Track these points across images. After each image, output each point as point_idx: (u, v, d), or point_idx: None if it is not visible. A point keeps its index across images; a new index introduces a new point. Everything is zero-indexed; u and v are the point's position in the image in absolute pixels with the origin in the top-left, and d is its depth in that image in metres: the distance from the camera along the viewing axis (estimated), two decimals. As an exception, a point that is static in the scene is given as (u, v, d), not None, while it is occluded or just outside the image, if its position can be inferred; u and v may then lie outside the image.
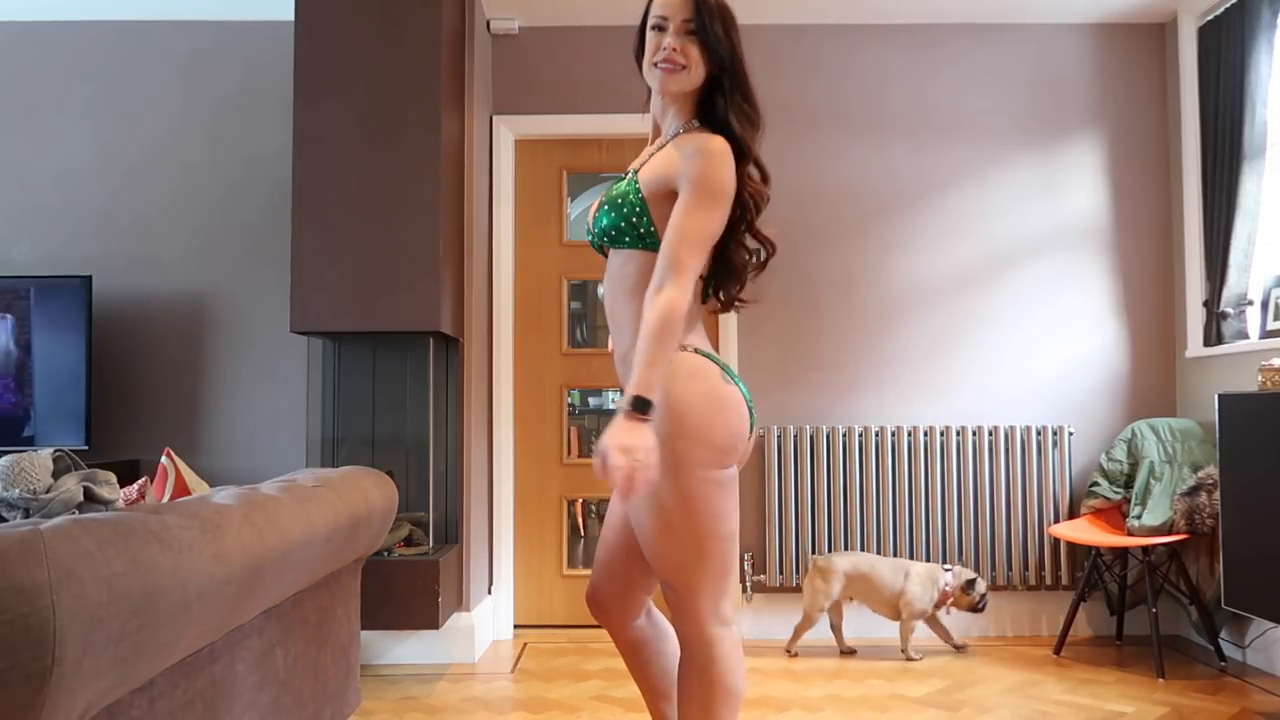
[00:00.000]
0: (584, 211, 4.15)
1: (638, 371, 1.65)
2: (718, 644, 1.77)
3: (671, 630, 1.97)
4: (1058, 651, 3.70)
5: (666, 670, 1.98)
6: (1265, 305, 3.55)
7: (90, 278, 3.73)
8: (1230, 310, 3.69)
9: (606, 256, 1.97)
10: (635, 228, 1.81)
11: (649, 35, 1.87)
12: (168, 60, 4.08)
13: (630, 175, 1.88)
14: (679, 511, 1.74)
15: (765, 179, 1.90)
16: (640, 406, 1.63)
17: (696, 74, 1.83)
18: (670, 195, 1.78)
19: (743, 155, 1.84)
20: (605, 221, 1.85)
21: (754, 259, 1.92)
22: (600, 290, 4.24)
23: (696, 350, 1.81)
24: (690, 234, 1.73)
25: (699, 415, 1.74)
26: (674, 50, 1.81)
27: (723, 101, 1.84)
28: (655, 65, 1.84)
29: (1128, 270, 4.11)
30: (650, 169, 1.83)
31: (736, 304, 1.96)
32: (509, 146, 4.15)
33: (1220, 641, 3.54)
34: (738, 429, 1.78)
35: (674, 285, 1.69)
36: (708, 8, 1.81)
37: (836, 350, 4.08)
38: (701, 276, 1.86)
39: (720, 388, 1.78)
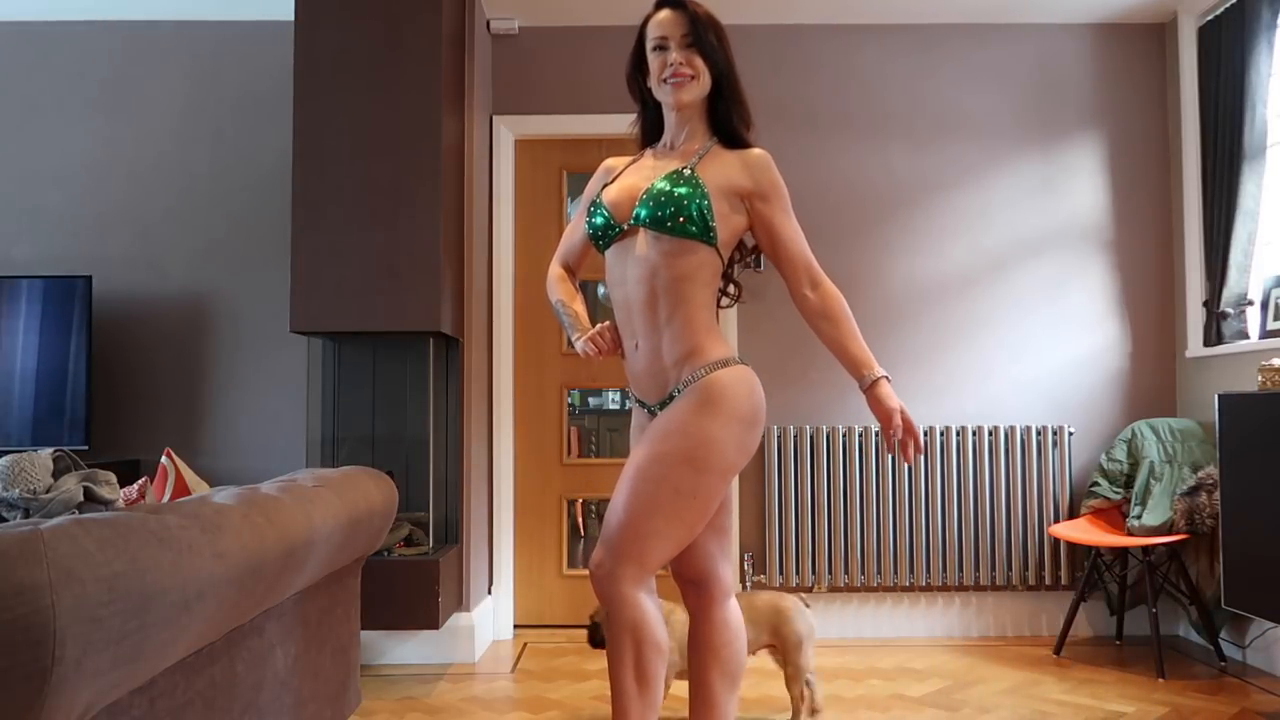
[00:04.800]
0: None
1: (862, 350, 1.97)
2: (646, 606, 1.90)
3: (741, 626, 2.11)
4: (1058, 651, 3.70)
5: (738, 656, 2.07)
6: (1265, 305, 3.55)
7: (90, 278, 3.73)
8: (1230, 310, 3.69)
9: (605, 249, 2.08)
10: (704, 218, 1.94)
11: (652, 57, 2.03)
12: (168, 60, 4.08)
13: (688, 172, 1.97)
14: (690, 499, 1.89)
15: None
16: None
17: (705, 81, 2.02)
18: (727, 196, 1.98)
19: None
20: (666, 210, 1.94)
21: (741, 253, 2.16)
22: (602, 289, 4.24)
23: (742, 362, 2.00)
24: (801, 237, 2.04)
25: (753, 427, 1.96)
26: (681, 64, 1.98)
27: (723, 106, 2.04)
28: (665, 81, 2.00)
29: (1128, 270, 4.11)
30: (712, 174, 1.98)
31: (738, 296, 2.21)
32: (509, 146, 4.15)
33: (1220, 641, 3.55)
34: (760, 436, 2.01)
35: (826, 278, 2.02)
36: (700, 21, 2.00)
37: (836, 350, 4.07)
38: (725, 277, 2.11)
39: (763, 402, 2.00)
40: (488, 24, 4.07)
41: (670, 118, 2.07)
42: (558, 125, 4.12)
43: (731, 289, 2.19)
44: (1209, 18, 3.83)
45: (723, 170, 1.99)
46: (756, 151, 2.03)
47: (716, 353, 1.97)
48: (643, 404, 2.07)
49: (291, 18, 3.44)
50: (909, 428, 1.92)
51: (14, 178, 4.05)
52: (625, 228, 2.02)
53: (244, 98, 4.06)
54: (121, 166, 4.06)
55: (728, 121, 2.04)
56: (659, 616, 1.92)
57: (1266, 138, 3.57)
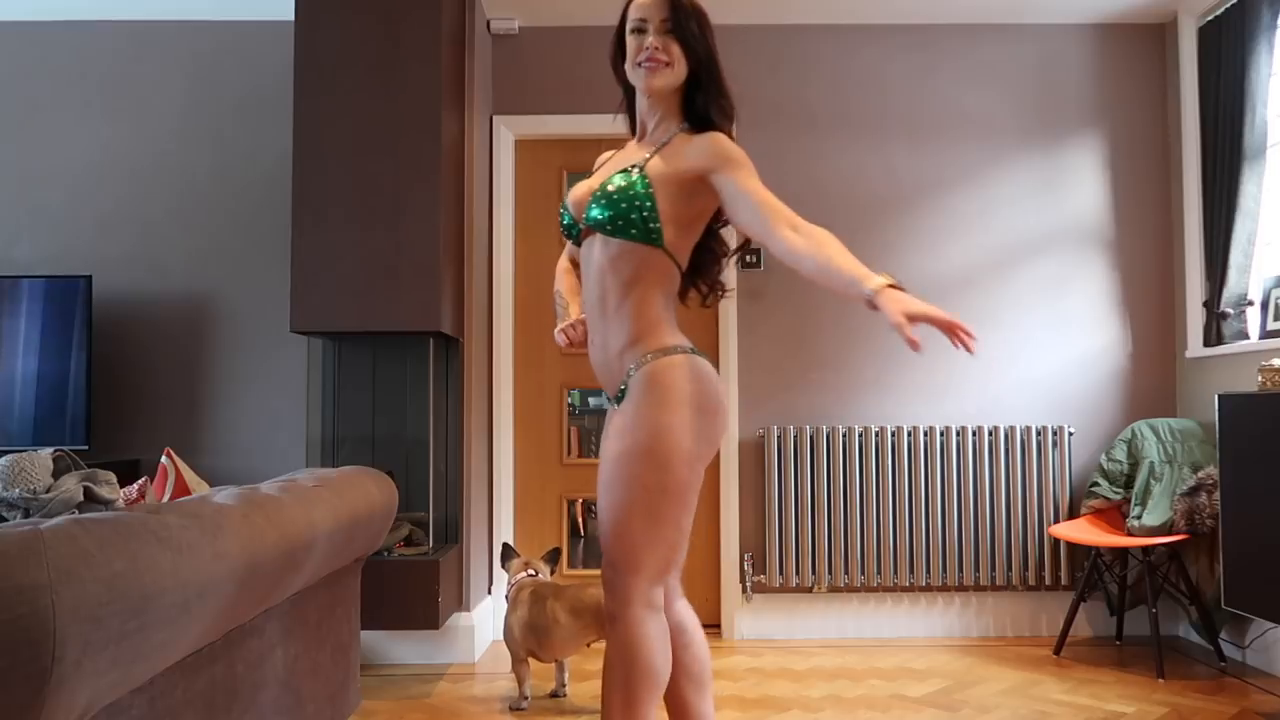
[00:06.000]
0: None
1: (855, 268, 1.63)
2: (644, 624, 1.84)
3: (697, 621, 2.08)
4: (1058, 651, 3.70)
5: (700, 655, 2.03)
6: (1265, 305, 3.55)
7: (90, 278, 3.73)
8: (1230, 310, 3.69)
9: (579, 244, 2.06)
10: (645, 221, 1.88)
11: (629, 38, 1.99)
12: (169, 60, 4.08)
13: (635, 171, 1.92)
14: (660, 494, 1.84)
15: None
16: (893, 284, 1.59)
17: (680, 69, 1.95)
18: (680, 185, 1.88)
19: None
20: (606, 214, 1.90)
21: (727, 247, 2.08)
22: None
23: (693, 351, 1.93)
24: (767, 192, 1.81)
25: (706, 414, 1.88)
26: (656, 48, 1.93)
27: (702, 97, 1.96)
28: (639, 64, 1.95)
29: (1128, 270, 4.11)
30: (658, 164, 1.91)
31: (721, 293, 2.09)
32: (509, 146, 4.15)
33: (1220, 641, 3.55)
34: (725, 427, 1.96)
35: (798, 219, 1.75)
36: (683, 8, 1.94)
37: (836, 350, 4.08)
38: (683, 274, 2.00)
39: (719, 389, 1.93)
40: (488, 24, 4.07)
41: (642, 102, 2.02)
42: (558, 125, 4.12)
43: (704, 287, 2.07)
44: (1209, 18, 3.83)
45: (675, 159, 1.91)
46: (710, 133, 1.92)
47: (657, 342, 1.90)
48: (610, 398, 2.04)
49: (291, 18, 3.44)
50: (937, 321, 1.54)
51: (14, 178, 4.05)
52: (584, 226, 1.99)
53: (244, 98, 4.06)
54: (122, 166, 4.06)
55: (706, 114, 1.95)
56: (659, 642, 1.84)
57: (1266, 138, 3.57)
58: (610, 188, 1.91)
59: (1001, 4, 4.01)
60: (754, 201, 1.79)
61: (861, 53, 4.16)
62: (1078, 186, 4.13)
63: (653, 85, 1.95)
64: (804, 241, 1.71)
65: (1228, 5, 3.70)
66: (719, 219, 2.01)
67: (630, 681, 1.82)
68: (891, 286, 1.59)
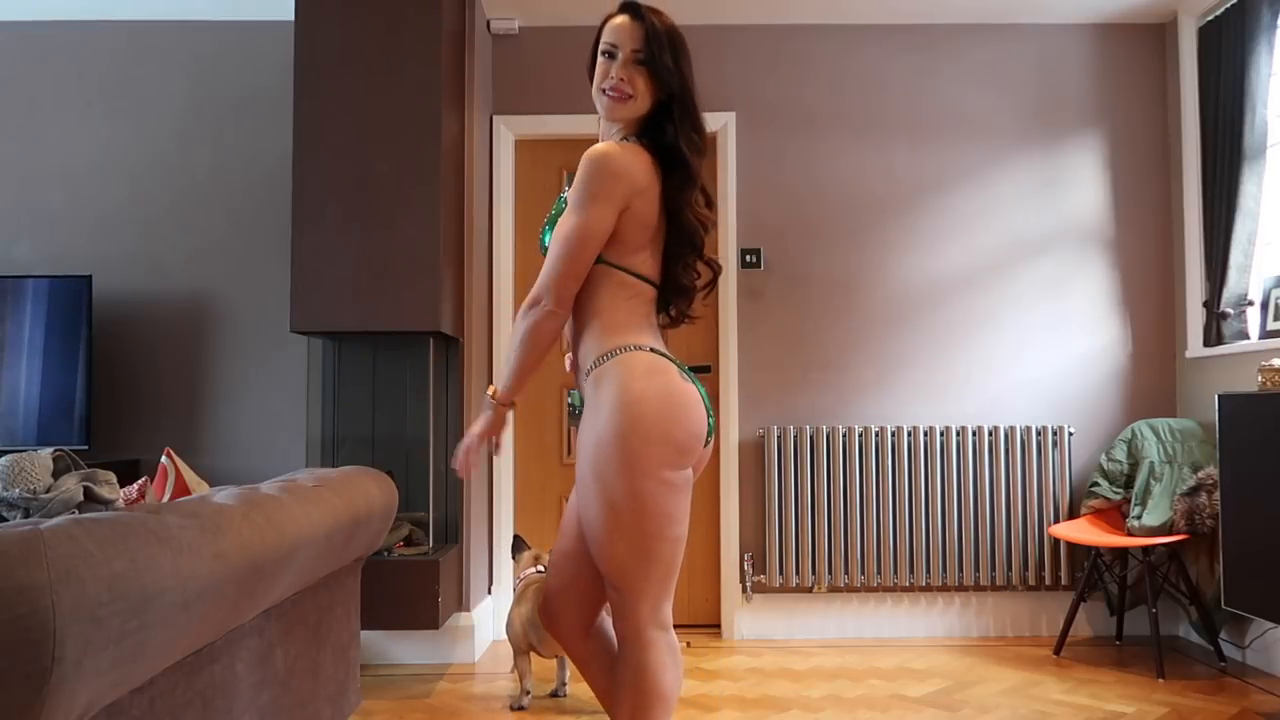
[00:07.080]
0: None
1: (507, 366, 1.88)
2: (653, 647, 1.78)
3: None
4: (1058, 651, 3.71)
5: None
6: (1265, 305, 3.55)
7: (90, 278, 3.73)
8: (1230, 310, 3.69)
9: None
10: None
11: (599, 60, 1.88)
12: (169, 61, 4.08)
13: (562, 200, 1.93)
14: (630, 511, 1.74)
15: (710, 204, 1.94)
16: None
17: (642, 103, 1.86)
18: None
19: (691, 182, 1.87)
20: (545, 239, 1.92)
21: (701, 279, 1.94)
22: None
23: (652, 349, 1.83)
24: (562, 242, 1.81)
25: (658, 412, 1.75)
26: (621, 80, 1.83)
27: (672, 129, 1.86)
28: (603, 92, 1.86)
29: (1128, 270, 4.11)
30: None
31: (685, 319, 1.98)
32: (509, 146, 4.15)
33: (1220, 641, 3.55)
34: (696, 429, 1.79)
35: (550, 298, 1.82)
36: (658, 39, 1.82)
37: (836, 350, 4.08)
38: (655, 286, 1.90)
39: (679, 385, 1.80)
40: (488, 24, 4.07)
41: (602, 125, 1.96)
42: (558, 125, 4.12)
43: (674, 312, 1.95)
44: (1209, 18, 3.83)
45: None
46: (588, 152, 1.84)
47: (607, 345, 1.82)
48: None
49: (291, 18, 3.44)
50: (466, 452, 1.93)
51: (15, 177, 4.05)
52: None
53: (244, 98, 4.06)
54: (122, 166, 4.06)
55: (675, 145, 1.84)
56: (670, 663, 1.79)
57: (1266, 138, 3.57)
58: (554, 213, 1.93)
59: (1001, 4, 4.01)
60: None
61: (861, 53, 4.16)
62: (1078, 186, 4.13)
63: (613, 116, 1.87)
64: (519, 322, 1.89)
65: (1228, 5, 3.70)
66: (689, 249, 1.90)
67: (639, 705, 1.77)
68: (495, 396, 1.91)
